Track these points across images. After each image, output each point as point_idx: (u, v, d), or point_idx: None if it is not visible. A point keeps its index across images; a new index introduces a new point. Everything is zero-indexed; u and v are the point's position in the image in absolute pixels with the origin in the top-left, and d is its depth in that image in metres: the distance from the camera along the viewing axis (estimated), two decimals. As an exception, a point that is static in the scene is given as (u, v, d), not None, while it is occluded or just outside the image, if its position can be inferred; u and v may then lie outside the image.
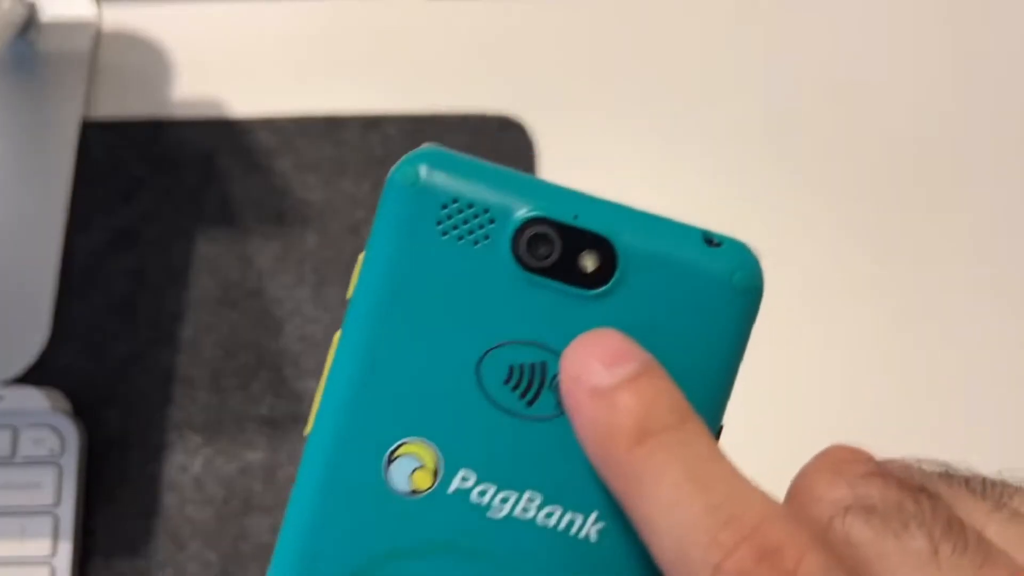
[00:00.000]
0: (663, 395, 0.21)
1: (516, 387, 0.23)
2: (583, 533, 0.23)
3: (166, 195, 0.52)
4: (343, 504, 0.23)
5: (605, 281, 0.23)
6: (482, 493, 0.23)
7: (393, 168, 0.25)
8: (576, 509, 0.23)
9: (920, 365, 0.50)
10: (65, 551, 0.45)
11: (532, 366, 0.23)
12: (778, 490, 0.23)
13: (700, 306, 0.23)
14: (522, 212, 0.23)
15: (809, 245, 0.51)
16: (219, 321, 0.50)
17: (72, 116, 0.53)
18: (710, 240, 0.24)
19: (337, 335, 0.23)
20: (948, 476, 0.22)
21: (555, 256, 0.23)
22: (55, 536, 0.45)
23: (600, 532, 0.23)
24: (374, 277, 0.23)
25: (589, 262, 0.23)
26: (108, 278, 0.50)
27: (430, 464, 0.23)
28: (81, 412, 0.48)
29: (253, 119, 0.53)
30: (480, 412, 0.23)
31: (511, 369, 0.23)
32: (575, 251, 0.23)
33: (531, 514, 0.23)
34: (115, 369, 0.49)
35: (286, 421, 0.48)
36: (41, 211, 0.51)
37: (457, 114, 0.53)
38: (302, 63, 0.55)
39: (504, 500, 0.23)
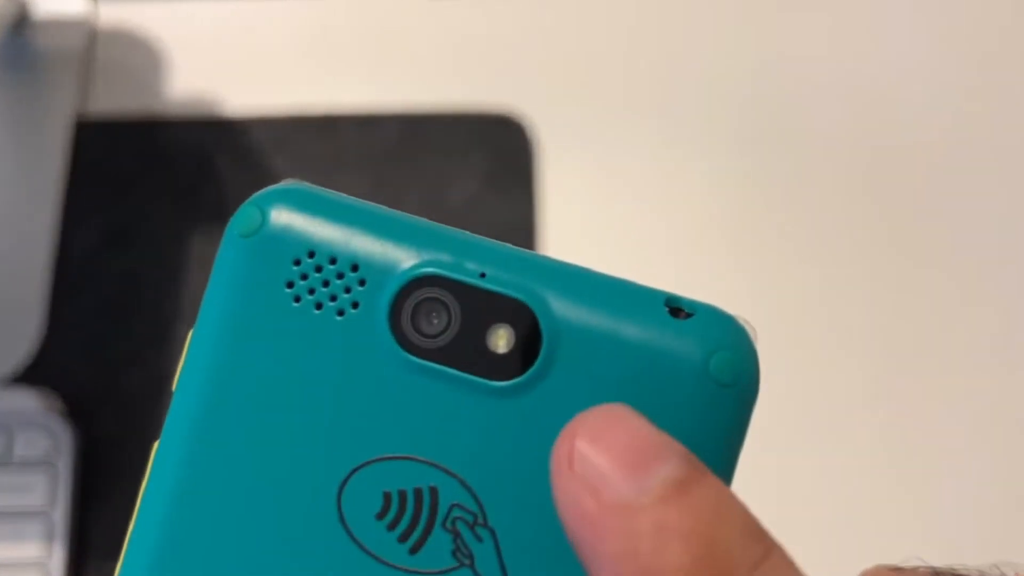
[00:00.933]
0: (729, 510, 0.14)
1: (393, 525, 0.16)
2: None
3: (161, 193, 0.52)
4: None
5: (523, 368, 0.16)
6: None
7: (233, 217, 0.18)
8: None
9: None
10: (59, 553, 0.45)
11: (417, 493, 0.16)
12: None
13: (663, 404, 0.16)
14: (405, 269, 0.17)
15: (810, 245, 0.51)
16: (215, 321, 0.49)
17: (66, 114, 0.53)
18: (677, 309, 0.17)
19: (155, 445, 0.17)
20: None
21: (452, 332, 0.16)
22: (49, 538, 0.45)
23: None
24: (202, 360, 0.17)
25: (502, 340, 0.16)
26: (102, 277, 0.50)
27: None
28: (75, 413, 0.47)
29: (248, 117, 0.53)
30: (340, 562, 0.16)
31: (386, 497, 0.16)
32: (482, 325, 0.16)
33: None
34: (110, 369, 0.49)
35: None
36: (34, 210, 0.51)
37: (455, 112, 0.53)
38: (297, 60, 0.55)
39: None
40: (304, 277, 0.17)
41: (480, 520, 0.16)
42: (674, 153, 0.53)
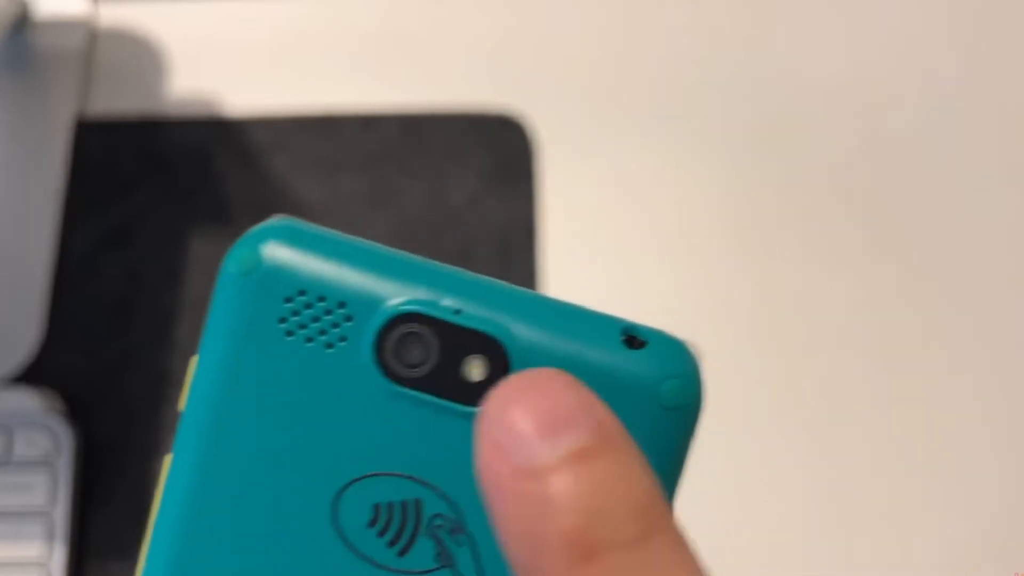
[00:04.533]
0: (625, 485, 0.14)
1: (383, 532, 0.18)
2: None
3: (161, 194, 0.52)
4: None
5: None
6: None
7: (226, 256, 0.19)
8: None
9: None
10: (59, 553, 0.45)
11: (403, 505, 0.18)
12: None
13: None
14: (388, 306, 0.18)
15: (808, 245, 0.51)
16: (215, 321, 0.49)
17: (66, 114, 0.53)
18: (633, 338, 0.18)
19: (167, 459, 0.19)
20: None
21: (431, 363, 0.18)
22: (49, 538, 0.45)
23: None
24: (206, 390, 0.19)
25: (475, 370, 0.18)
26: (102, 277, 0.50)
27: None
28: (75, 413, 0.47)
29: (248, 117, 0.53)
30: (338, 565, 0.18)
31: (376, 509, 0.18)
32: (457, 356, 0.18)
33: None
34: (110, 369, 0.49)
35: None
36: (34, 210, 0.51)
37: (455, 112, 0.53)
38: (298, 61, 0.54)
39: None
40: (295, 313, 0.18)
41: (459, 528, 0.18)
42: (673, 153, 0.53)
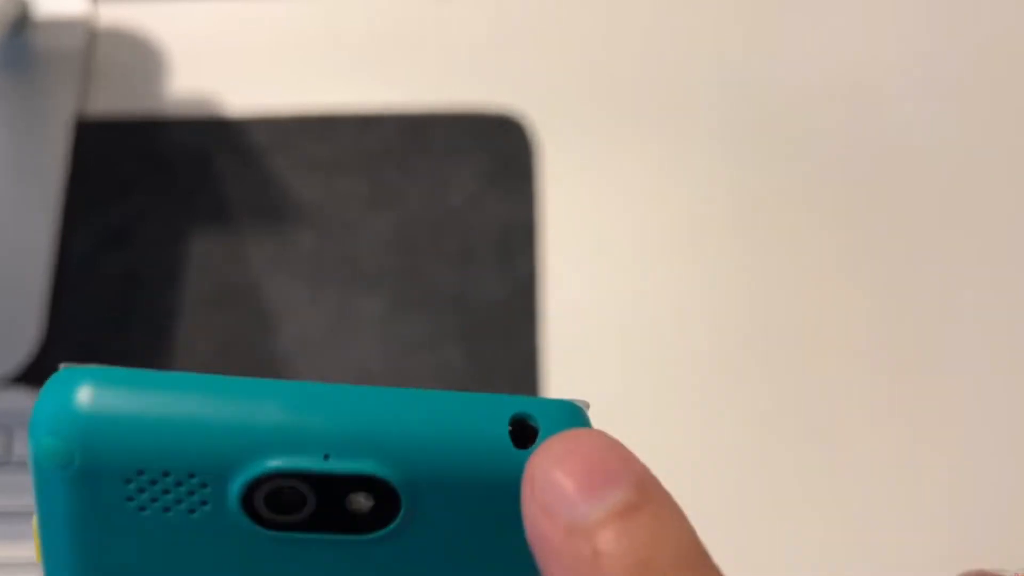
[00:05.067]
0: (668, 535, 0.15)
1: None
2: None
3: (160, 194, 0.52)
4: None
5: (388, 520, 0.17)
6: None
7: (29, 432, 0.17)
8: None
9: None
10: (59, 554, 0.45)
11: None
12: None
13: (517, 533, 0.16)
14: (243, 472, 0.16)
15: (808, 244, 0.51)
16: (213, 322, 0.49)
17: (65, 114, 0.53)
18: (524, 433, 0.17)
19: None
20: None
21: (310, 507, 0.17)
22: (49, 539, 0.45)
23: None
24: (63, 570, 0.17)
25: (360, 504, 0.17)
26: (102, 278, 0.50)
27: None
28: (75, 413, 0.47)
29: (248, 117, 0.53)
30: None
31: None
32: (337, 496, 0.17)
33: None
34: (109, 370, 0.49)
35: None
36: (34, 210, 0.51)
37: (455, 112, 0.53)
38: (298, 61, 0.54)
39: None
40: (141, 491, 0.16)
41: None
42: (674, 153, 0.53)
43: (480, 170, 0.51)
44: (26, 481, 0.45)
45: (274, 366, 0.48)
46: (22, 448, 0.45)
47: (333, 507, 0.17)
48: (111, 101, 0.53)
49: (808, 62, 0.54)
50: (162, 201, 0.51)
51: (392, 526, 0.17)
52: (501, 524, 0.17)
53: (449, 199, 0.51)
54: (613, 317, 0.49)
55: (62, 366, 0.18)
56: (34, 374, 0.48)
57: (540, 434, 0.17)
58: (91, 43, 0.55)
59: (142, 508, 0.16)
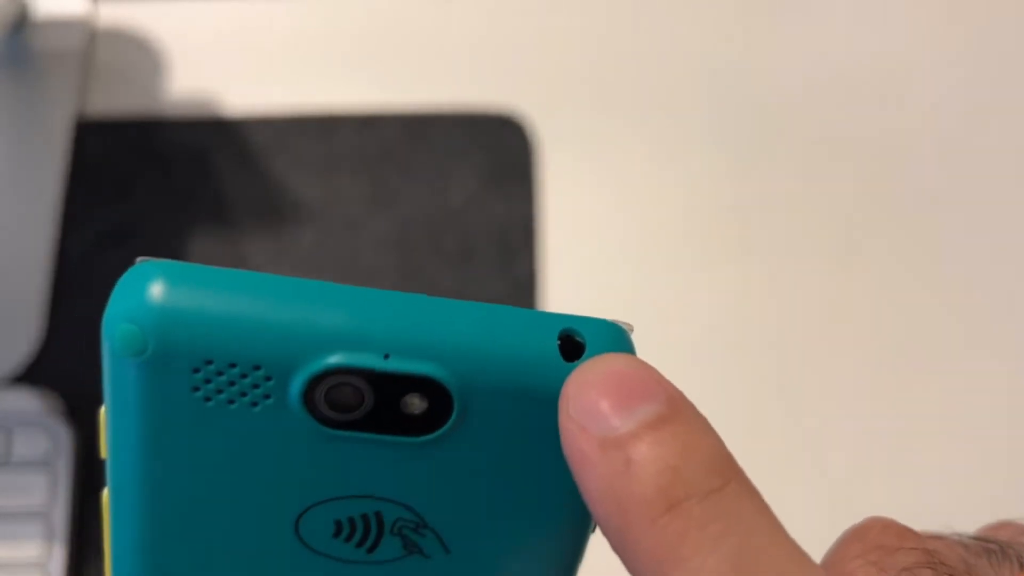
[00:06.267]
0: (697, 445, 0.16)
1: (349, 538, 0.18)
2: None
3: (160, 194, 0.52)
4: None
5: (440, 424, 0.17)
6: None
7: (105, 321, 0.18)
8: None
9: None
10: (59, 554, 0.45)
11: (364, 516, 0.18)
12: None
13: (558, 437, 0.17)
14: (307, 366, 0.17)
15: (808, 242, 0.51)
16: (214, 321, 0.49)
17: (65, 114, 0.53)
18: (572, 346, 0.18)
19: (105, 493, 0.19)
20: (992, 553, 0.19)
21: (367, 407, 0.17)
22: (49, 538, 0.45)
23: None
24: (132, 475, 0.18)
25: (415, 406, 0.17)
26: (101, 277, 0.50)
27: None
28: (74, 413, 0.47)
29: (247, 117, 0.53)
30: (308, 567, 0.18)
31: (338, 523, 0.18)
32: (394, 397, 0.17)
33: None
34: (109, 370, 0.49)
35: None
36: (34, 210, 0.51)
37: (455, 112, 0.53)
38: (297, 60, 0.54)
39: None
40: (207, 381, 0.17)
41: (422, 525, 0.19)
42: (673, 153, 0.53)
43: (480, 170, 0.51)
44: (26, 481, 0.45)
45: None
46: (22, 448, 0.45)
47: (389, 408, 0.17)
48: (111, 101, 0.53)
49: (806, 62, 0.54)
50: (161, 201, 0.51)
51: (442, 430, 0.17)
52: (542, 433, 0.18)
53: (449, 199, 0.51)
54: (612, 316, 0.49)
55: (139, 260, 0.19)
56: (34, 374, 0.48)
57: (587, 350, 0.18)
58: (91, 43, 0.55)
59: (207, 399, 0.17)
